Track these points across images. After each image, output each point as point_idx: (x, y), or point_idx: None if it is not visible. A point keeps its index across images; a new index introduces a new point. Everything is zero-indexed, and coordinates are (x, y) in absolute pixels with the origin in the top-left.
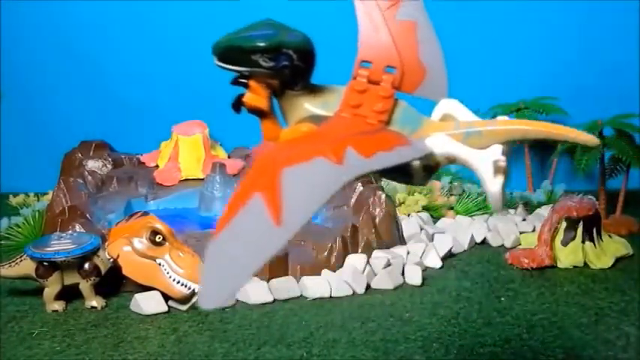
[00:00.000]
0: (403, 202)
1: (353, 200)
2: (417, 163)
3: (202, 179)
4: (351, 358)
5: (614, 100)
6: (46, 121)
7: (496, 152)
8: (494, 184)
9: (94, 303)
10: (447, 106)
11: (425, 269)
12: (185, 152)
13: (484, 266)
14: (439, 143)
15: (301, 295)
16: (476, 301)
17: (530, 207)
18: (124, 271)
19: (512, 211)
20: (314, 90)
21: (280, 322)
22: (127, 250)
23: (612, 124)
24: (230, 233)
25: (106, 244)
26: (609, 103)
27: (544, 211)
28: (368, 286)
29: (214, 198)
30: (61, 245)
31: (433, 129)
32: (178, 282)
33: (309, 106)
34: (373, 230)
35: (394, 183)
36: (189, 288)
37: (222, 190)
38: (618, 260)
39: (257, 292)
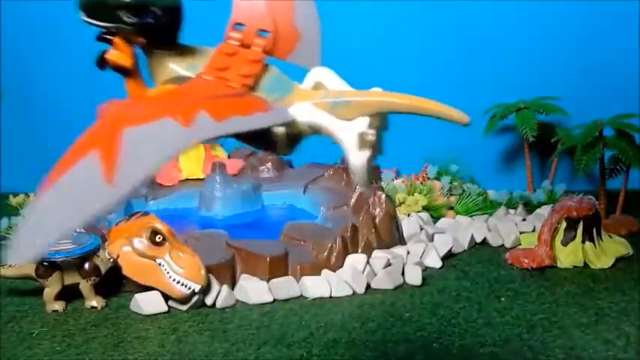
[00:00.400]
0: (403, 202)
1: (353, 200)
2: (280, 131)
3: (202, 179)
4: (351, 358)
5: (614, 100)
6: (46, 121)
7: (362, 124)
8: (357, 158)
9: (94, 303)
10: (319, 74)
11: (425, 269)
12: (185, 152)
13: (484, 266)
14: (303, 112)
15: (301, 295)
16: (476, 301)
17: (530, 207)
18: (124, 271)
19: (512, 211)
20: (183, 51)
21: (280, 322)
22: (127, 250)
23: (612, 124)
24: (58, 187)
25: (106, 244)
26: (609, 103)
27: (544, 211)
28: (368, 286)
29: (214, 198)
30: (61, 245)
31: (301, 97)
32: (178, 282)
33: (175, 66)
34: (373, 230)
35: (394, 183)
36: (189, 288)
37: (222, 190)
38: (618, 260)
39: (257, 292)
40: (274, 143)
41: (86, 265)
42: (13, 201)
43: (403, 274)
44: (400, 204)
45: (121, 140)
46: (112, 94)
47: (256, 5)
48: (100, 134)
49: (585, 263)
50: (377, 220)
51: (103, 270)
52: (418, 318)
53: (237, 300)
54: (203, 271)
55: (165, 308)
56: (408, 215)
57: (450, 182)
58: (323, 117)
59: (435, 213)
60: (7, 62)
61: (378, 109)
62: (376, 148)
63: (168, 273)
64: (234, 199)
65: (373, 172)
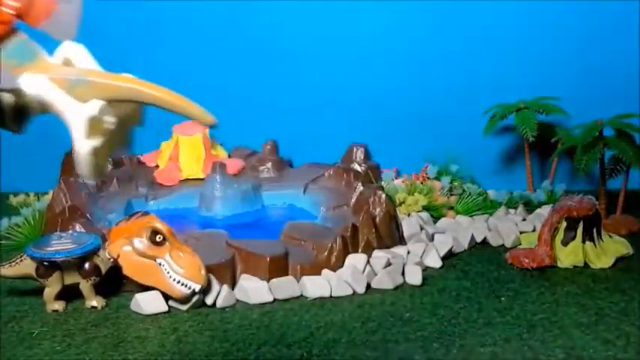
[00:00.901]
0: (403, 202)
1: (353, 200)
2: (7, 100)
3: (202, 179)
4: (351, 358)
5: (614, 100)
6: (46, 121)
7: (94, 108)
8: (82, 144)
9: (94, 303)
10: (70, 49)
11: (425, 269)
12: (185, 152)
13: (484, 266)
14: (33, 84)
15: (301, 295)
16: (476, 301)
17: (530, 207)
18: (124, 271)
19: (512, 211)
20: None
21: (280, 322)
22: (127, 250)
23: (612, 124)
24: None
25: (106, 244)
26: (609, 103)
27: (544, 211)
28: (368, 286)
29: (214, 198)
30: (62, 245)
31: (43, 69)
32: (178, 282)
33: None
34: (373, 230)
35: (394, 183)
36: (190, 288)
37: (223, 190)
38: (618, 260)
39: (257, 292)
40: (2, 114)
41: (86, 265)
42: (14, 201)
43: (403, 274)
44: (400, 204)
45: None
46: None
47: None
48: None
49: (585, 263)
50: (377, 220)
51: (103, 270)
52: (418, 318)
53: (238, 300)
54: (203, 271)
55: (166, 308)
56: (408, 215)
57: (450, 182)
58: (53, 93)
59: (435, 213)
60: None
61: (120, 96)
62: (117, 139)
63: (168, 273)
64: (234, 199)
65: (374, 173)
